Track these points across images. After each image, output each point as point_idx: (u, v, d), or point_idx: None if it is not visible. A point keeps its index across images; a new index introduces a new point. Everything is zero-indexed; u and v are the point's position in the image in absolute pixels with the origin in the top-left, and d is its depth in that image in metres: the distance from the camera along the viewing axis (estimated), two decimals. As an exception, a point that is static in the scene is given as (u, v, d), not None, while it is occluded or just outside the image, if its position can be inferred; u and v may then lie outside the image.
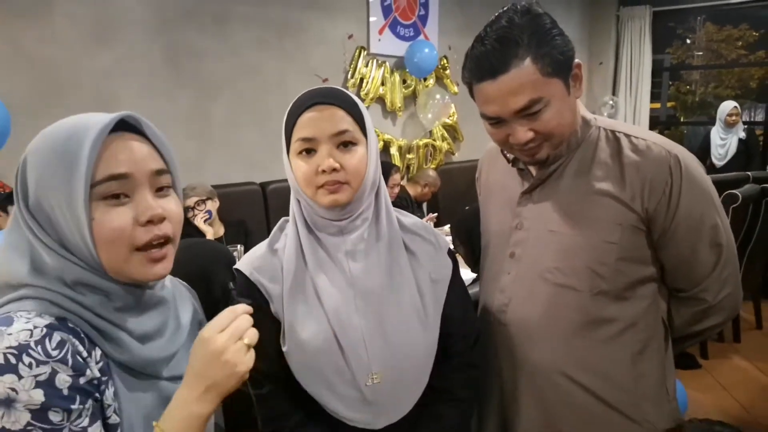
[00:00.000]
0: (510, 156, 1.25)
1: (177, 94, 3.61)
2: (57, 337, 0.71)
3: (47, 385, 0.68)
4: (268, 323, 1.02)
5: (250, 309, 0.86)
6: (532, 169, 1.22)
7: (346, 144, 1.01)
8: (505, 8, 1.08)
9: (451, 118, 5.08)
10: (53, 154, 0.76)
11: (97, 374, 0.75)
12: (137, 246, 0.79)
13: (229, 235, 3.21)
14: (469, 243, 1.97)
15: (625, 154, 1.13)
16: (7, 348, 0.67)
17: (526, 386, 1.22)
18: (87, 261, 0.78)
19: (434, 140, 5.13)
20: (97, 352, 0.76)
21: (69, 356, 0.71)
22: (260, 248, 1.10)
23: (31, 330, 0.70)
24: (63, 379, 0.70)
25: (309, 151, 1.01)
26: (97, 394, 0.74)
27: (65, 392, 0.70)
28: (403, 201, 4.19)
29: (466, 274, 1.44)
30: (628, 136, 1.15)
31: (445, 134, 5.21)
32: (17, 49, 3.00)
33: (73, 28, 3.17)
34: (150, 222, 0.80)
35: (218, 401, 0.82)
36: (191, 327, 0.93)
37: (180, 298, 0.94)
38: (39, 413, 0.67)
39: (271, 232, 1.13)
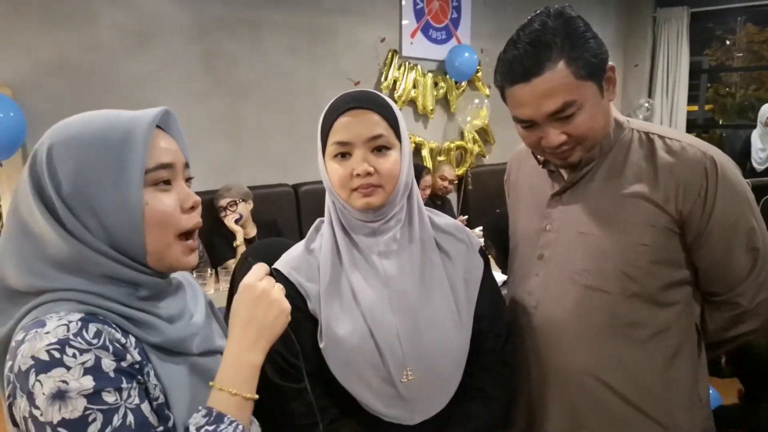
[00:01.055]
0: (541, 157, 1.24)
1: (211, 99, 3.68)
2: (93, 327, 0.73)
3: (94, 369, 0.70)
4: (305, 321, 1.04)
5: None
6: (563, 171, 1.21)
7: (380, 148, 1.03)
8: (538, 11, 1.08)
9: (483, 121, 5.06)
10: (100, 142, 0.78)
11: (138, 357, 0.77)
12: (182, 230, 0.84)
13: (261, 236, 3.23)
14: (501, 245, 1.97)
15: (659, 156, 1.11)
16: (48, 345, 0.69)
17: (554, 388, 1.21)
18: (131, 247, 0.80)
19: (465, 143, 5.12)
20: (131, 339, 0.78)
21: (108, 343, 0.73)
22: (297, 248, 1.13)
23: (66, 324, 0.72)
24: (108, 363, 0.72)
25: (344, 155, 1.03)
26: (140, 377, 0.76)
27: (112, 374, 0.72)
28: (431, 201, 4.19)
29: (498, 276, 1.44)
30: (662, 137, 1.13)
31: (476, 137, 5.19)
32: (60, 56, 3.10)
33: (115, 35, 3.27)
34: (192, 208, 0.85)
35: (268, 348, 0.87)
36: (206, 308, 0.97)
37: (188, 282, 0.98)
38: (93, 397, 0.69)
39: (304, 233, 1.15)
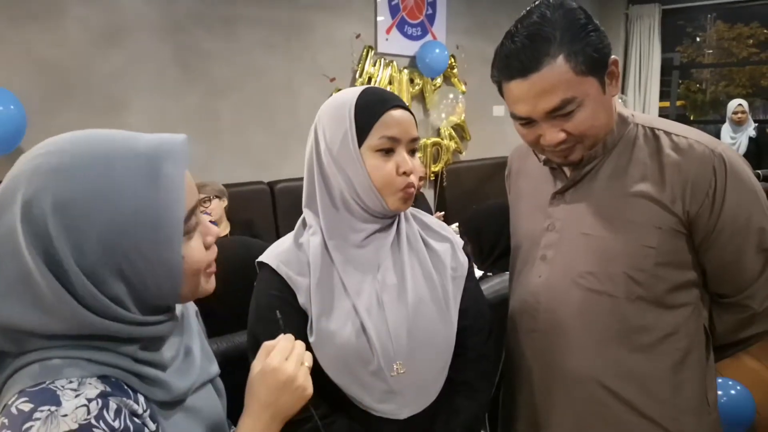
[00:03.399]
0: (541, 155, 1.21)
1: (185, 95, 3.63)
2: (113, 405, 0.65)
3: None
4: (295, 315, 1.03)
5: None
6: (566, 168, 1.17)
7: (414, 150, 1.05)
8: (536, 2, 1.03)
9: (459, 117, 5.07)
10: (130, 194, 0.68)
11: (153, 427, 0.71)
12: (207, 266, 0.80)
13: (235, 234, 3.16)
14: (478, 241, 1.98)
15: (665, 153, 1.06)
16: None
17: (557, 393, 1.17)
18: (162, 301, 0.74)
19: (442, 139, 5.13)
20: (141, 399, 0.71)
21: (128, 422, 0.66)
22: (285, 242, 1.11)
23: (86, 405, 0.63)
24: None
25: (389, 151, 1.02)
26: None
27: None
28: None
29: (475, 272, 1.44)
30: (668, 133, 1.08)
31: (453, 133, 5.20)
32: (30, 52, 3.03)
33: (84, 31, 3.20)
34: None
35: (281, 426, 0.84)
36: (197, 324, 0.93)
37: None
38: None
39: (280, 232, 1.14)
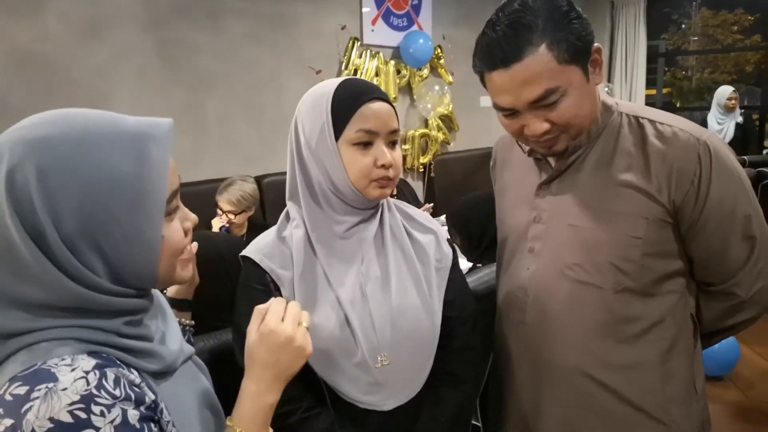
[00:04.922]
0: (525, 146, 1.20)
1: (171, 90, 3.59)
2: (111, 375, 0.65)
3: (123, 425, 0.63)
4: None
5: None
6: (551, 159, 1.16)
7: (394, 143, 1.03)
8: None
9: (446, 108, 5.07)
10: (110, 167, 0.68)
11: (152, 395, 0.71)
12: (184, 250, 0.82)
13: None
14: (466, 232, 1.98)
15: (650, 142, 1.05)
16: (70, 405, 0.60)
17: (547, 386, 1.17)
18: (138, 281, 0.74)
19: (430, 130, 5.12)
20: (135, 372, 0.71)
21: (129, 390, 0.66)
22: (268, 236, 1.10)
23: (85, 377, 0.63)
24: (132, 415, 0.65)
25: (366, 144, 1.01)
26: (155, 416, 0.71)
27: (137, 426, 0.65)
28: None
29: (463, 264, 1.44)
30: (652, 122, 1.07)
31: (441, 124, 5.20)
32: (9, 47, 2.99)
33: (65, 25, 3.15)
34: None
35: (284, 386, 0.86)
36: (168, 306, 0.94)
37: None
38: None
39: (269, 226, 1.13)
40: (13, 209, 0.64)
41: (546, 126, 1.02)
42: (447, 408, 1.10)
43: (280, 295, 1.03)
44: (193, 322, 1.10)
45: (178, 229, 0.77)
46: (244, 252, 1.08)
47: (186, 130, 3.65)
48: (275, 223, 1.12)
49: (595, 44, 1.02)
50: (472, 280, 1.44)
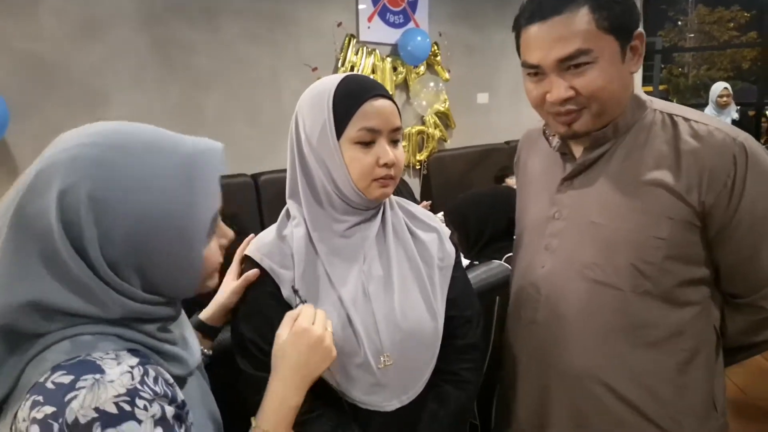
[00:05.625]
0: (552, 139, 1.17)
1: (167, 88, 3.57)
2: (152, 371, 0.68)
3: (162, 420, 0.65)
4: (280, 309, 1.01)
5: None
6: (576, 153, 1.13)
7: (396, 141, 1.03)
8: None
9: (443, 105, 5.06)
10: (166, 193, 0.72)
11: (182, 396, 0.72)
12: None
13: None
14: (464, 230, 1.97)
15: (683, 140, 1.01)
16: (117, 396, 0.62)
17: (557, 389, 1.14)
18: (176, 295, 0.78)
19: (427, 127, 5.11)
20: (168, 374, 0.73)
21: (166, 388, 0.68)
22: (269, 234, 1.09)
23: (130, 372, 0.65)
24: (169, 411, 0.67)
25: (368, 143, 1.00)
26: (184, 415, 0.72)
27: (172, 422, 0.67)
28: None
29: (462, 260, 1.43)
30: (687, 120, 1.04)
31: (438, 122, 5.19)
32: (4, 45, 2.96)
33: (60, 23, 3.13)
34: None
35: (308, 387, 0.90)
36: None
37: None
38: None
39: (265, 224, 1.12)
40: (62, 227, 0.65)
41: (570, 93, 1.01)
42: (450, 407, 1.10)
43: (281, 295, 1.03)
44: (211, 352, 1.09)
45: (216, 249, 0.80)
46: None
47: (183, 129, 3.55)
48: (274, 220, 1.11)
49: (640, 30, 1.01)
50: (477, 278, 1.44)
